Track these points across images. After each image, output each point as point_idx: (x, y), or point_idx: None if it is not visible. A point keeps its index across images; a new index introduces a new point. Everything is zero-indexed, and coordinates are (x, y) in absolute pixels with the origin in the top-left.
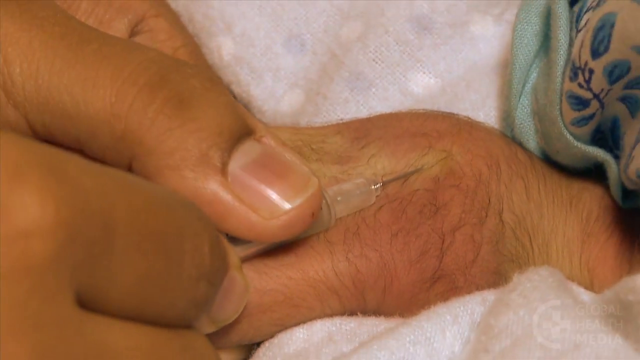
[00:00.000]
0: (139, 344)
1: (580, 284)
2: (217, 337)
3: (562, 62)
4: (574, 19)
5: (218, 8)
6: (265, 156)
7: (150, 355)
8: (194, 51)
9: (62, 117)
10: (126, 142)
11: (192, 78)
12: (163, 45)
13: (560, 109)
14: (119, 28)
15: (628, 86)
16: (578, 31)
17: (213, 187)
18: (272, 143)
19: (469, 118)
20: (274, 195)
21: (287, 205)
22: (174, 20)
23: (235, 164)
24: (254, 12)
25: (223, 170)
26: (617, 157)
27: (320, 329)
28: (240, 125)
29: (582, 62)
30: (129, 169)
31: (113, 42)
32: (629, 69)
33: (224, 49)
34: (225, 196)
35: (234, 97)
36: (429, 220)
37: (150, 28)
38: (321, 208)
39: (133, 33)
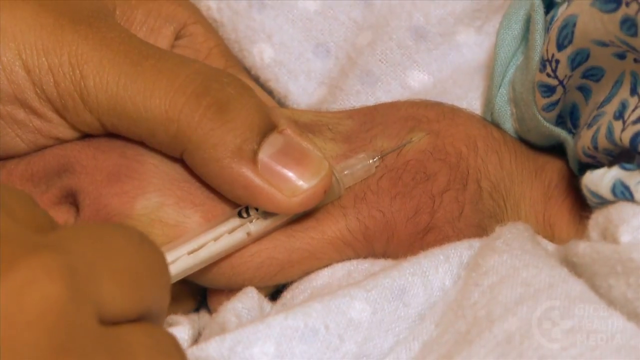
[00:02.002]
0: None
1: (544, 236)
2: (259, 282)
3: (537, 58)
4: (546, 26)
5: (259, 21)
6: (287, 146)
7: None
8: (225, 50)
9: (127, 120)
10: (178, 140)
11: (228, 86)
12: (200, 46)
13: (534, 96)
14: (166, 34)
15: (584, 75)
16: (548, 32)
17: (246, 174)
18: (292, 134)
19: (453, 105)
20: (294, 178)
21: (305, 185)
22: (208, 26)
23: (264, 154)
24: (289, 25)
25: (254, 159)
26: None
27: (341, 268)
28: (266, 122)
29: (550, 55)
30: (181, 159)
31: (166, 57)
32: (588, 56)
33: (265, 53)
34: (256, 180)
35: (272, 92)
36: (420, 184)
37: (190, 33)
38: (332, 184)
39: (177, 37)
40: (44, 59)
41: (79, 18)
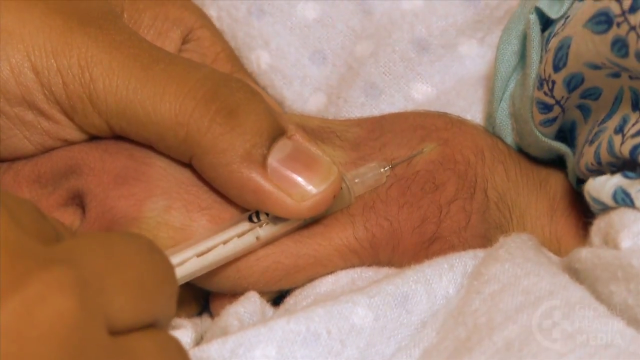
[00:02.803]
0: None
1: (551, 249)
2: (263, 286)
3: (534, 75)
4: (544, 42)
5: (257, 28)
6: (296, 151)
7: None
8: (231, 55)
9: (136, 124)
10: (187, 144)
11: (237, 91)
12: (207, 50)
13: (532, 112)
14: (173, 37)
15: (583, 96)
16: (546, 52)
17: (256, 178)
18: (301, 139)
19: (459, 117)
20: (304, 183)
21: (314, 190)
22: (215, 30)
23: (273, 159)
24: (286, 32)
25: (263, 164)
26: (574, 152)
27: (345, 275)
28: (275, 127)
29: (547, 75)
30: (189, 164)
31: (176, 62)
32: (582, 80)
33: (261, 60)
34: (266, 185)
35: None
36: (429, 194)
37: (197, 37)
38: (341, 189)
39: (184, 41)
40: (52, 60)
41: (88, 20)
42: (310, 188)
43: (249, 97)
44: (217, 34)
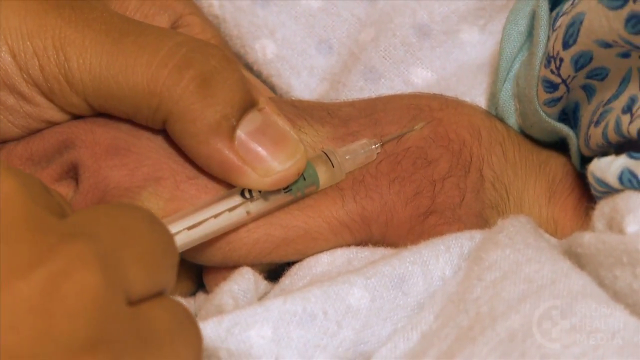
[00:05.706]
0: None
1: (547, 231)
2: (254, 258)
3: (540, 54)
4: (552, 21)
5: (262, 17)
6: (265, 125)
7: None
8: (221, 42)
9: (112, 99)
10: (161, 112)
11: (212, 58)
12: (197, 36)
13: (537, 91)
14: (160, 22)
15: (588, 76)
16: (554, 31)
17: (222, 150)
18: (271, 113)
19: (457, 98)
20: (269, 158)
21: (279, 167)
22: (204, 17)
23: (242, 131)
24: (291, 21)
25: (231, 136)
26: (577, 133)
27: (341, 255)
28: (246, 99)
29: (555, 52)
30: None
31: (147, 32)
32: (591, 59)
33: (267, 49)
34: (232, 157)
35: (274, 87)
36: (421, 170)
37: (187, 23)
38: (332, 166)
39: (173, 27)
40: (28, 43)
41: (62, 2)
42: (275, 164)
43: (224, 65)
44: (207, 21)
